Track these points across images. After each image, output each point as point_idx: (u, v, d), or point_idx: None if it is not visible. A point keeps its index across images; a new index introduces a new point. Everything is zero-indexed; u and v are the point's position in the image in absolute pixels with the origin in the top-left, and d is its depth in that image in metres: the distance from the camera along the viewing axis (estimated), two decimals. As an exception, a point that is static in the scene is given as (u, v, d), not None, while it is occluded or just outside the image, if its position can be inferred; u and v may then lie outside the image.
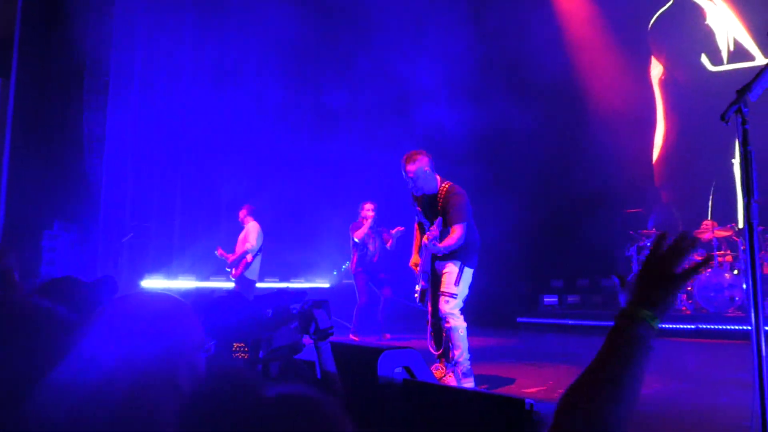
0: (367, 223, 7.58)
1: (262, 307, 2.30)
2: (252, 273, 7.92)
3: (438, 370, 4.55)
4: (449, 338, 4.43)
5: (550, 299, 10.05)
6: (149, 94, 9.84)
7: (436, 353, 4.66)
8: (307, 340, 2.39)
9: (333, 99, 10.99)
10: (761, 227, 7.72)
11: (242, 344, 2.12)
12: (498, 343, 7.44)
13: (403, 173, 4.58)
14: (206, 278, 9.39)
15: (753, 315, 2.13)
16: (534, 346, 7.23)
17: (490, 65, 10.11)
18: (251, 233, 7.86)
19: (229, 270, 8.08)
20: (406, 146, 7.27)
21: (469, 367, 4.40)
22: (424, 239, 4.40)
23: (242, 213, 8.06)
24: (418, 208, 4.72)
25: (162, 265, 9.42)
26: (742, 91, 2.22)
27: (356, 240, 7.69)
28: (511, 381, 4.74)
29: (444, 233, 4.35)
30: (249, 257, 7.82)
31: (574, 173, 10.13)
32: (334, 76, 11.05)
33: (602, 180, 9.68)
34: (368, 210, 7.64)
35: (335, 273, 11.14)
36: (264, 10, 10.37)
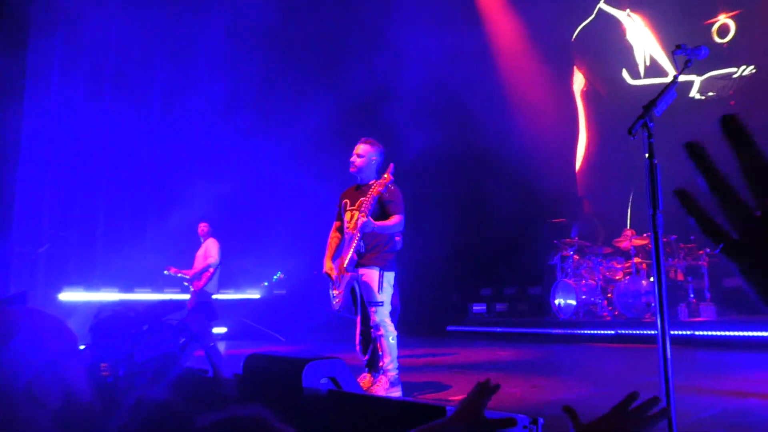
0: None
1: (138, 323, 2.31)
2: (212, 286, 8.09)
3: (365, 380, 4.54)
4: (379, 346, 4.43)
5: (479, 308, 10.22)
6: (71, 99, 9.47)
7: (365, 361, 4.65)
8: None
9: (250, 108, 10.88)
10: (674, 236, 8.12)
11: (106, 364, 2.14)
12: (427, 352, 7.50)
13: (355, 150, 4.64)
14: (130, 290, 9.10)
15: (659, 319, 2.23)
16: (463, 354, 7.33)
17: (418, 79, 10.24)
18: (212, 248, 8.06)
19: (188, 284, 8.19)
20: (337, 156, 7.27)
21: (397, 376, 4.41)
22: (358, 220, 4.34)
23: (203, 229, 8.19)
24: (345, 201, 4.72)
25: (83, 277, 9.05)
26: (648, 107, 2.34)
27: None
28: (438, 389, 4.78)
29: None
30: (211, 270, 7.98)
31: (501, 184, 10.38)
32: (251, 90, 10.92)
33: (528, 190, 9.96)
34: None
35: (266, 284, 10.99)
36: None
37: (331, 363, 3.51)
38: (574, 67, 11.04)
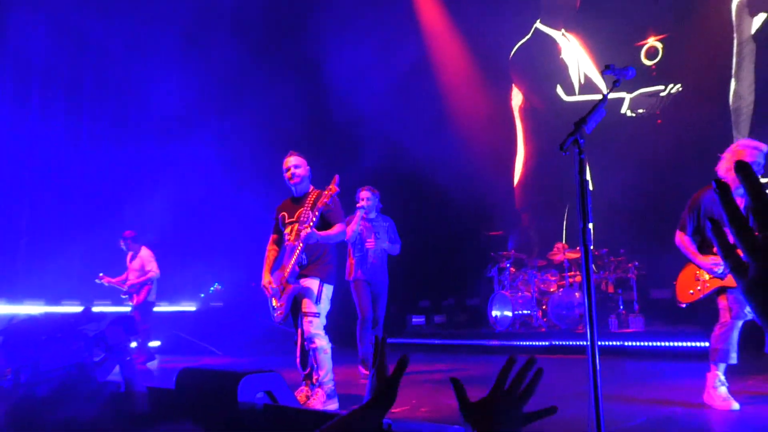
0: (358, 215, 6.18)
1: (49, 331, 2.24)
2: (152, 297, 8.00)
3: (302, 393, 4.50)
4: (314, 359, 4.40)
5: (417, 319, 10.29)
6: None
7: (303, 374, 4.61)
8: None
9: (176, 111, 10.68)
10: (605, 249, 8.39)
11: (9, 369, 2.06)
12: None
13: (289, 163, 4.63)
14: (57, 302, 8.74)
15: (588, 330, 2.30)
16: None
17: (357, 94, 10.28)
18: (150, 260, 7.91)
19: (125, 297, 7.98)
20: (275, 165, 7.19)
21: (333, 388, 4.39)
22: (302, 232, 4.30)
23: (127, 240, 7.89)
24: (282, 213, 4.68)
25: (4, 288, 8.63)
26: (579, 124, 2.42)
27: (346, 239, 6.09)
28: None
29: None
30: (151, 283, 7.90)
31: (440, 197, 10.52)
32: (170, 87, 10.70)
33: (467, 203, 10.12)
34: (363, 198, 6.27)
35: (202, 296, 10.76)
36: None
37: (268, 377, 3.46)
38: (513, 84, 11.34)
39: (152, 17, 10.44)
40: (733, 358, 4.02)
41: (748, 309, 4.04)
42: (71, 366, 2.20)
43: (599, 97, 2.58)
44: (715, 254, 4.16)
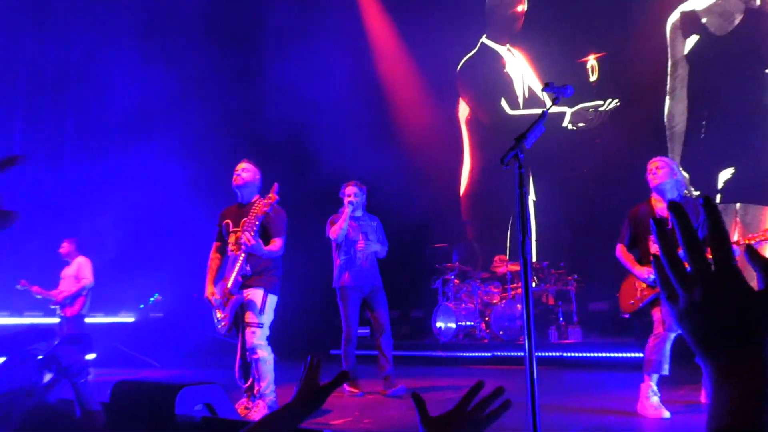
0: (345, 214, 5.55)
1: None
2: (86, 309, 7.61)
3: (242, 405, 4.43)
4: (255, 370, 4.35)
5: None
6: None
7: (244, 386, 4.54)
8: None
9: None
10: (546, 262, 8.58)
11: None
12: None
13: (239, 167, 4.62)
14: (20, 314, 8.38)
15: (526, 341, 2.35)
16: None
17: (304, 106, 10.26)
18: (85, 268, 7.49)
19: (55, 307, 7.55)
20: (219, 172, 7.08)
21: (275, 400, 4.34)
22: (245, 239, 4.24)
23: (67, 248, 7.53)
24: (226, 221, 4.61)
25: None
26: (519, 139, 2.48)
27: (332, 239, 5.62)
28: (318, 413, 4.73)
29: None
30: (85, 293, 7.49)
31: (386, 208, 10.53)
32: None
33: (413, 215, 10.18)
34: (349, 194, 5.64)
35: (142, 306, 10.47)
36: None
37: (207, 389, 3.40)
38: (459, 97, 11.54)
39: (91, 29, 10.20)
40: (666, 369, 4.18)
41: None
42: (20, 390, 2.07)
43: (542, 111, 2.67)
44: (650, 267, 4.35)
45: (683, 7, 9.25)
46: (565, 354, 7.36)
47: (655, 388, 4.17)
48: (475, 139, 11.38)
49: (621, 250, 4.48)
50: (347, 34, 11.06)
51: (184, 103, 10.58)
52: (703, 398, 4.47)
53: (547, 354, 7.32)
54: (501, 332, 8.15)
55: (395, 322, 10.56)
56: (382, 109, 11.37)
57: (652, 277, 4.24)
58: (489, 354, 7.87)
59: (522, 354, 7.67)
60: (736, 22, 8.79)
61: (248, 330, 4.32)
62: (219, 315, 4.42)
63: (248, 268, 4.32)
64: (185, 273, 8.78)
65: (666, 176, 4.34)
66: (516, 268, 8.59)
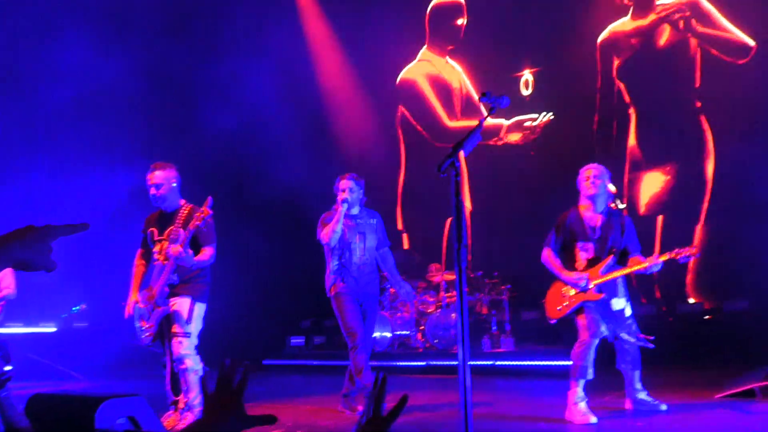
0: (339, 212, 4.80)
1: None
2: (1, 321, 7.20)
3: (170, 418, 4.27)
4: (183, 381, 4.20)
5: (297, 340, 10.11)
6: None
7: (173, 399, 4.38)
8: None
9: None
10: (480, 272, 8.69)
11: None
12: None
13: (150, 180, 4.39)
14: None
15: (461, 349, 2.34)
16: (278, 388, 7.17)
17: (243, 112, 10.09)
18: (8, 277, 7.06)
19: None
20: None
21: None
22: (174, 251, 4.08)
23: None
24: (151, 229, 4.43)
25: None
26: (456, 147, 2.49)
27: (324, 242, 4.93)
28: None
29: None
30: (3, 303, 7.04)
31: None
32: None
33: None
34: (343, 189, 4.89)
35: (64, 316, 10.01)
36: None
37: (131, 401, 3.25)
38: (399, 105, 11.65)
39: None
40: (591, 374, 4.31)
41: (603, 327, 4.38)
42: None
43: (479, 121, 2.70)
44: (578, 270, 4.47)
45: (613, 27, 9.61)
46: (497, 363, 7.46)
47: (582, 393, 4.28)
48: (413, 147, 11.49)
49: (548, 255, 4.55)
50: (286, 40, 10.96)
51: (114, 102, 10.22)
52: (627, 404, 4.60)
53: (480, 363, 7.40)
54: (436, 341, 8.19)
55: (331, 331, 10.49)
56: (321, 117, 11.32)
57: (583, 282, 4.35)
58: (423, 363, 7.89)
59: (455, 363, 7.72)
60: (662, 43, 9.21)
61: (175, 340, 4.17)
62: (143, 325, 4.25)
63: (175, 277, 4.18)
64: (111, 281, 8.44)
65: (602, 188, 4.50)
66: (451, 276, 8.65)
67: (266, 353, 9.52)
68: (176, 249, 4.06)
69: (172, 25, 10.56)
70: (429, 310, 8.72)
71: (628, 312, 4.51)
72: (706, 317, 8.18)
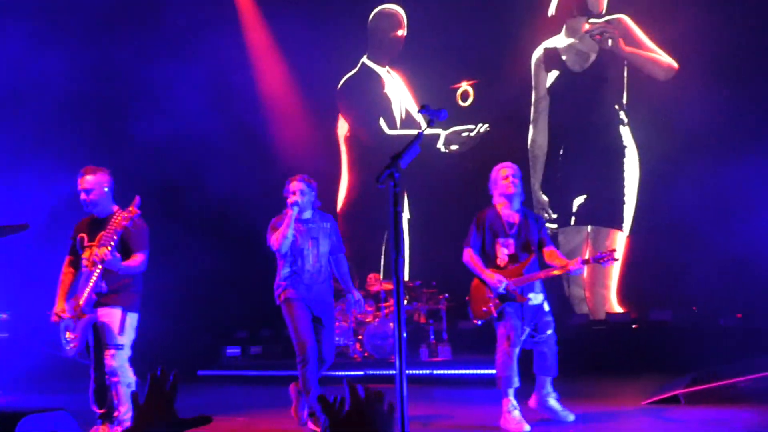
0: (289, 216, 4.54)
1: None
2: None
3: (98, 433, 4.11)
4: (115, 394, 4.05)
5: (233, 351, 9.93)
6: None
7: (99, 412, 4.21)
8: None
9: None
10: (419, 281, 8.76)
11: None
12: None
13: (80, 184, 4.24)
14: None
15: (397, 359, 2.35)
16: (213, 399, 7.02)
17: (181, 120, 9.87)
18: None
19: None
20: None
21: (134, 426, 4.06)
22: (102, 254, 3.91)
23: None
24: (81, 235, 4.26)
25: None
26: (395, 158, 2.50)
27: (275, 248, 4.60)
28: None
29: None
30: None
31: (260, 224, 10.30)
32: None
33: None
34: (294, 192, 4.65)
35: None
36: None
37: (54, 416, 3.11)
38: (339, 114, 11.65)
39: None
40: (516, 382, 4.40)
41: (524, 334, 4.50)
42: None
43: (418, 132, 2.72)
44: (500, 266, 4.55)
45: (546, 44, 9.96)
46: (435, 372, 7.52)
47: (514, 402, 4.37)
48: (353, 157, 11.51)
49: (469, 254, 4.62)
50: (226, 46, 10.80)
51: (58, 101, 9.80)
52: (531, 403, 4.62)
53: (418, 372, 7.44)
54: (373, 351, 8.20)
55: (268, 341, 10.35)
56: (260, 124, 11.19)
57: (501, 288, 4.41)
58: (361, 373, 7.86)
59: (393, 372, 7.73)
60: (591, 60, 9.58)
61: (107, 352, 4.02)
62: (68, 335, 4.08)
63: (104, 285, 3.99)
64: (36, 289, 8.07)
65: (519, 186, 4.64)
66: (389, 286, 8.68)
67: (201, 364, 9.30)
68: (103, 251, 3.90)
69: (109, 24, 10.26)
70: (367, 320, 8.73)
71: (547, 308, 4.62)
72: (633, 326, 8.49)
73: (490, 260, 4.60)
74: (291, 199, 4.58)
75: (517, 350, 4.42)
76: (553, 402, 4.58)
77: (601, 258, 4.43)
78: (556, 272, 4.52)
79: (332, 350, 4.66)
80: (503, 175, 4.64)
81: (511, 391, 4.37)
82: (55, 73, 9.55)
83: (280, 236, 4.50)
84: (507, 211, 4.65)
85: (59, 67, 9.51)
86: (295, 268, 4.59)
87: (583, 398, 5.80)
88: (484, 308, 4.52)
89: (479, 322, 4.63)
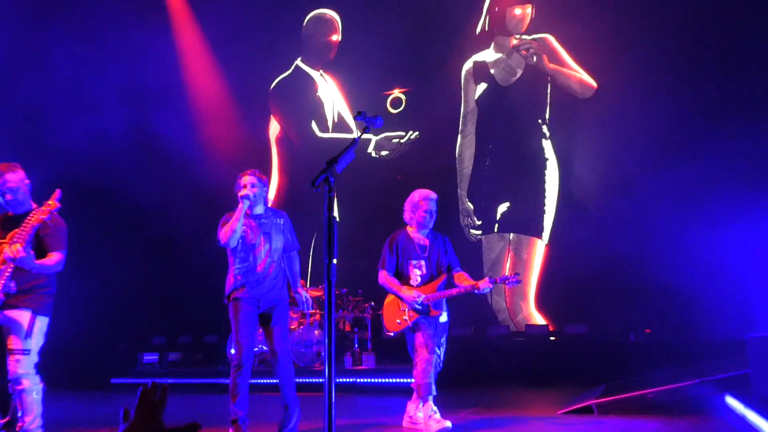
0: (240, 210, 4.38)
1: None
2: None
3: (0, 444, 3.86)
4: (19, 403, 3.81)
5: (150, 357, 9.58)
6: None
7: (2, 421, 3.96)
8: None
9: None
10: (345, 289, 8.72)
11: None
12: (87, 407, 6.73)
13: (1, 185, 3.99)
14: None
15: (327, 366, 2.31)
16: (127, 407, 6.72)
17: (107, 113, 9.49)
18: None
19: None
20: None
21: (41, 436, 3.84)
22: (14, 251, 3.66)
23: None
24: None
25: None
26: (330, 163, 2.48)
27: (222, 243, 4.47)
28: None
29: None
30: None
31: (182, 227, 10.02)
32: None
33: (209, 234, 9.78)
34: (244, 186, 4.48)
35: None
36: None
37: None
38: (271, 115, 11.53)
39: None
40: (434, 390, 4.56)
41: (439, 349, 4.65)
42: None
43: (350, 135, 2.72)
44: (413, 286, 4.74)
45: (476, 57, 10.25)
46: (359, 380, 7.49)
47: (434, 407, 4.54)
48: (285, 158, 11.44)
49: (384, 276, 4.84)
50: (155, 45, 10.46)
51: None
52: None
53: (342, 380, 7.40)
54: (297, 359, 8.09)
55: (187, 348, 10.06)
56: (189, 125, 10.91)
57: (419, 302, 4.62)
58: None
59: (316, 380, 7.66)
60: (518, 75, 9.92)
61: (12, 357, 3.78)
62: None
63: (13, 285, 3.75)
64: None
65: (433, 220, 4.86)
66: (316, 293, 8.61)
67: (116, 371, 8.91)
68: (15, 247, 3.67)
69: (32, 8, 9.74)
70: (292, 327, 8.62)
71: (445, 320, 4.85)
72: (552, 338, 8.76)
73: (403, 280, 4.82)
74: (242, 192, 4.41)
75: (434, 358, 4.60)
76: (421, 414, 4.67)
77: (506, 280, 4.71)
78: (466, 290, 4.69)
79: (284, 346, 4.46)
80: (425, 208, 4.85)
81: (431, 398, 4.55)
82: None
83: (229, 230, 4.36)
84: (417, 234, 4.90)
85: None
86: (246, 264, 4.43)
87: (501, 407, 5.93)
88: (398, 320, 4.74)
89: (393, 334, 4.84)
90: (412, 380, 4.65)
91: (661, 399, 5.05)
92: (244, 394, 4.31)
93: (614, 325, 8.38)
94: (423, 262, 4.81)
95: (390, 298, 4.86)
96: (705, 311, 7.30)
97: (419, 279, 4.78)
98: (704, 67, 8.40)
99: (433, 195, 4.90)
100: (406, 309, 4.70)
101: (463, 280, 4.79)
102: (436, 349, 4.69)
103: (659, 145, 8.39)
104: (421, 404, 4.58)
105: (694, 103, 8.28)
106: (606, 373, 6.89)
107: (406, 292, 4.67)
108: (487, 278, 4.66)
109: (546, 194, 9.50)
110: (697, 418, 4.73)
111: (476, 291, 4.63)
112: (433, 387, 4.54)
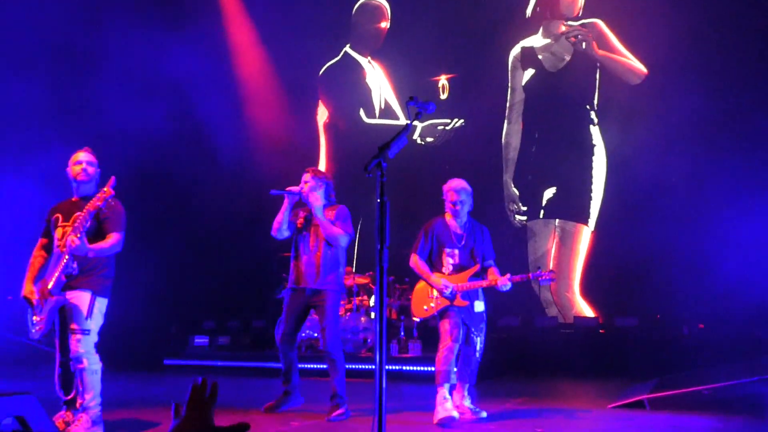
0: (286, 203, 4.87)
1: None
2: None
3: (62, 419, 4.01)
4: (80, 381, 3.94)
5: (200, 340, 9.81)
6: None
7: (65, 399, 4.11)
8: None
9: None
10: (392, 277, 8.74)
11: None
12: (140, 387, 6.95)
13: (81, 157, 4.18)
14: None
15: (378, 353, 2.32)
16: (179, 388, 6.92)
17: (160, 105, 9.68)
18: None
19: None
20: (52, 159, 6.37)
21: (99, 414, 3.97)
22: (70, 240, 3.80)
23: None
24: (56, 215, 4.15)
25: None
26: (383, 148, 2.48)
27: (272, 234, 4.97)
28: (148, 425, 4.42)
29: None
30: None
31: (233, 216, 10.21)
32: None
33: (260, 223, 9.93)
34: (302, 182, 5.00)
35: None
36: None
37: (19, 400, 3.04)
38: (319, 101, 11.61)
39: None
40: (454, 379, 4.54)
41: (477, 337, 4.62)
42: None
43: (396, 122, 2.72)
44: (444, 275, 4.70)
45: (523, 43, 10.11)
46: (404, 368, 7.52)
47: (448, 395, 4.50)
48: (332, 145, 11.53)
49: (415, 260, 4.81)
50: (206, 34, 10.64)
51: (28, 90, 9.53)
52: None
53: (388, 367, 7.42)
54: (344, 344, 8.16)
55: (236, 332, 10.27)
56: (240, 111, 11.08)
57: (448, 291, 4.55)
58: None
59: (363, 367, 7.71)
60: (566, 61, 9.73)
61: (73, 337, 3.91)
62: (35, 318, 3.95)
63: (75, 266, 3.88)
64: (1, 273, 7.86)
65: (467, 207, 4.81)
66: (363, 280, 8.66)
67: (168, 353, 9.17)
68: (72, 238, 3.80)
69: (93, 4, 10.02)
70: (339, 314, 8.69)
71: (483, 316, 4.80)
72: (601, 331, 8.61)
73: (435, 268, 4.79)
74: (302, 186, 4.95)
75: (457, 347, 4.57)
76: (467, 403, 4.74)
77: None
78: (489, 285, 4.65)
79: (332, 336, 5.04)
80: (451, 199, 4.82)
81: (447, 386, 4.52)
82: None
83: (276, 222, 4.90)
84: (454, 222, 4.85)
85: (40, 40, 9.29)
86: (295, 255, 4.99)
87: (549, 398, 5.87)
88: (425, 307, 4.72)
89: (419, 320, 4.84)
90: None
91: (717, 396, 4.89)
92: (289, 359, 5.24)
93: (666, 318, 8.18)
94: (457, 251, 4.75)
95: (421, 284, 4.82)
96: (762, 307, 7.05)
97: (451, 267, 4.73)
98: (764, 56, 8.06)
99: (460, 185, 4.81)
100: (435, 296, 4.66)
101: (490, 275, 4.73)
102: (473, 337, 4.66)
103: (714, 133, 8.12)
104: (441, 390, 4.53)
105: (752, 92, 7.97)
106: (657, 367, 6.74)
107: (435, 279, 4.65)
108: (507, 275, 4.59)
109: (593, 180, 9.34)
110: (754, 417, 4.58)
111: (496, 288, 4.59)
112: (453, 376, 4.51)
